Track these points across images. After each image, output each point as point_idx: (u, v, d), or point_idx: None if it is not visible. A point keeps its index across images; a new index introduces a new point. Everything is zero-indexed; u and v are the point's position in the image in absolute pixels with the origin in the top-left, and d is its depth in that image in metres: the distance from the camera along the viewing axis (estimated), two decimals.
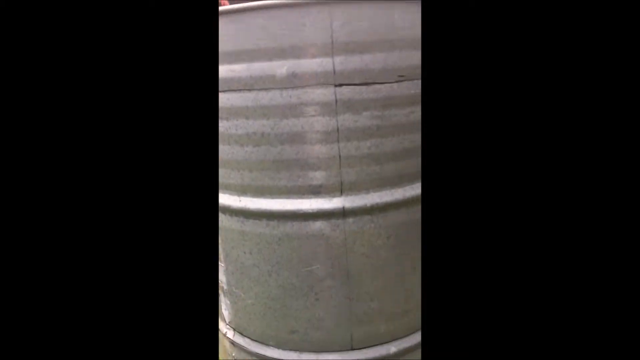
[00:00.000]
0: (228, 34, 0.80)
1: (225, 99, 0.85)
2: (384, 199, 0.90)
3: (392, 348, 1.03)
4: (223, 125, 0.87)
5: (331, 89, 0.80)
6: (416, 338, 1.07)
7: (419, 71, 0.84)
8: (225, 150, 0.90)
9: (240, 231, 0.96)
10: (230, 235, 0.98)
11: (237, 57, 0.81)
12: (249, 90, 0.81)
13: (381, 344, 1.02)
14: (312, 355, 1.01)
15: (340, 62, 0.78)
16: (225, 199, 0.95)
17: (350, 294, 0.96)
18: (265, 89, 0.80)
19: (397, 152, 0.88)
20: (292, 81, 0.79)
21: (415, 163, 0.91)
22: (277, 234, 0.91)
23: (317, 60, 0.77)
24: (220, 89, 0.85)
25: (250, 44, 0.79)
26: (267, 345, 1.04)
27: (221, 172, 0.93)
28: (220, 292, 1.11)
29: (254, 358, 1.07)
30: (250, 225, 0.93)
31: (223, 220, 0.98)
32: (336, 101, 0.80)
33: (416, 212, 0.96)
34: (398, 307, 1.01)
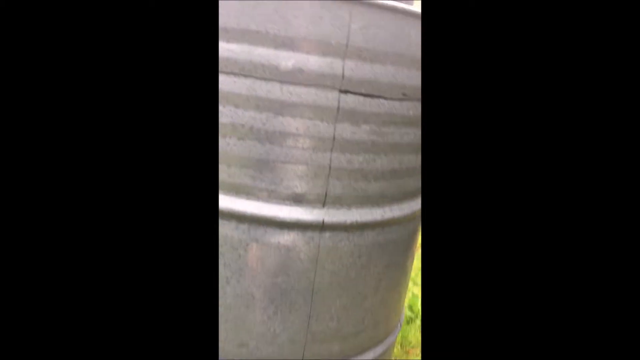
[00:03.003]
0: (232, 8, 0.70)
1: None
2: (364, 217, 0.86)
3: None
4: None
5: (335, 94, 0.73)
6: (365, 357, 1.04)
7: (420, 93, 0.81)
8: None
9: None
10: None
11: (238, 36, 0.71)
12: (245, 76, 0.72)
13: None
14: None
15: (351, 67, 0.72)
16: None
17: (311, 311, 0.90)
18: (265, 79, 0.71)
19: (386, 171, 0.85)
20: (297, 77, 0.71)
21: (398, 185, 0.89)
22: (245, 239, 0.82)
23: (328, 59, 0.71)
24: None
25: (256, 24, 0.69)
26: None
27: None
28: None
29: None
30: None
31: None
32: (339, 108, 0.74)
33: (388, 234, 0.93)
34: (354, 327, 0.98)
